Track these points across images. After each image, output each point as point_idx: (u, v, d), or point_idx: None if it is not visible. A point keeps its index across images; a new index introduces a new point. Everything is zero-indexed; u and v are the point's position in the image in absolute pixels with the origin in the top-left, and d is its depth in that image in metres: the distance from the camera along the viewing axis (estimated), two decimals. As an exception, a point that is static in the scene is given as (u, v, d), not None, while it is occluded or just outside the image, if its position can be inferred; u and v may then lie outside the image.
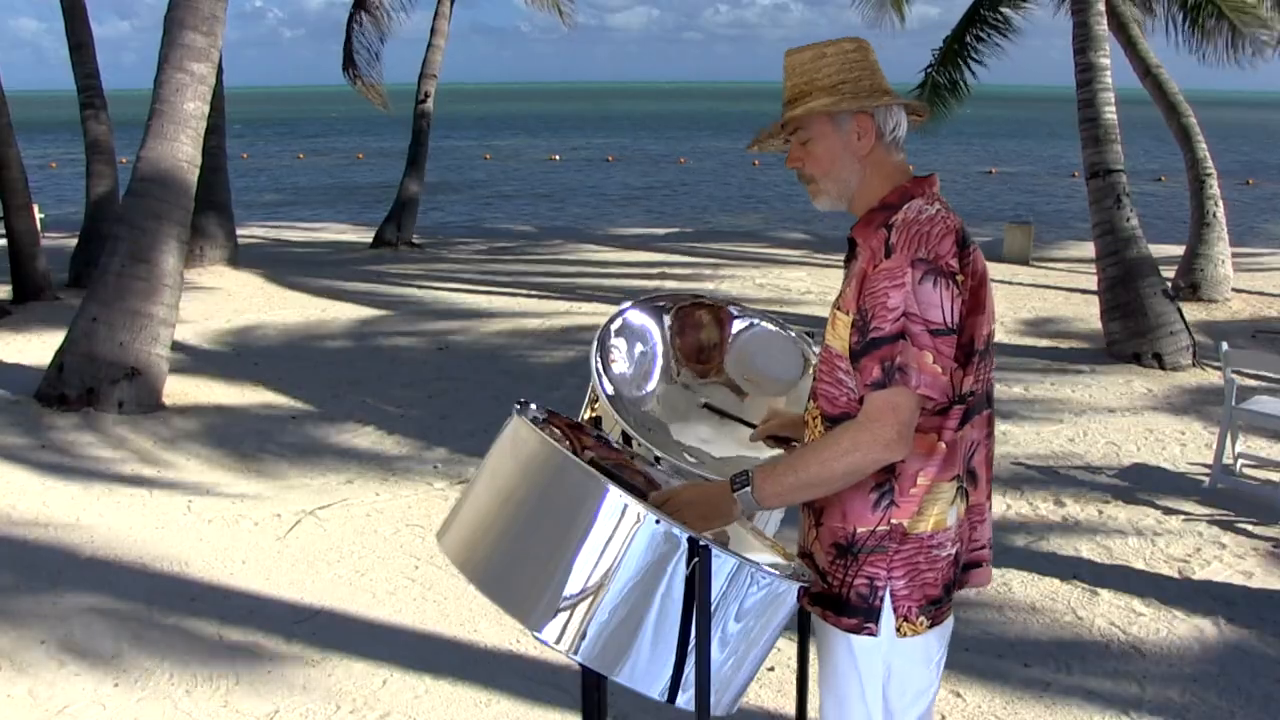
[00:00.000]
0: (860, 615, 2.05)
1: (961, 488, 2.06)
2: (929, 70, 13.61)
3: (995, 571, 4.59)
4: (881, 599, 2.03)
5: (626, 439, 2.46)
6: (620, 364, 2.64)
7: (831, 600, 2.08)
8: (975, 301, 2.00)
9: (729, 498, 2.04)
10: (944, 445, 2.00)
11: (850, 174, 2.08)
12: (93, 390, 6.84)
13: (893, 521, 2.01)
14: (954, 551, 2.07)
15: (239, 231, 13.92)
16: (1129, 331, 8.63)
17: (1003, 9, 13.44)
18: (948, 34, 13.72)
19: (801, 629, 2.32)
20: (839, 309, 2.06)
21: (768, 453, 2.62)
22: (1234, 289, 11.37)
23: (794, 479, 1.99)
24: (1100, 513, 5.43)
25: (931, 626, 2.06)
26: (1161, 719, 3.59)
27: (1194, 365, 8.39)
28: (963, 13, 13.87)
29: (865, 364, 1.94)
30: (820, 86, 2.05)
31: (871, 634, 2.04)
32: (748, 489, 2.02)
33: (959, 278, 1.95)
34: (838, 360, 2.05)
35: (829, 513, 2.07)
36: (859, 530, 2.03)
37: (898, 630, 2.03)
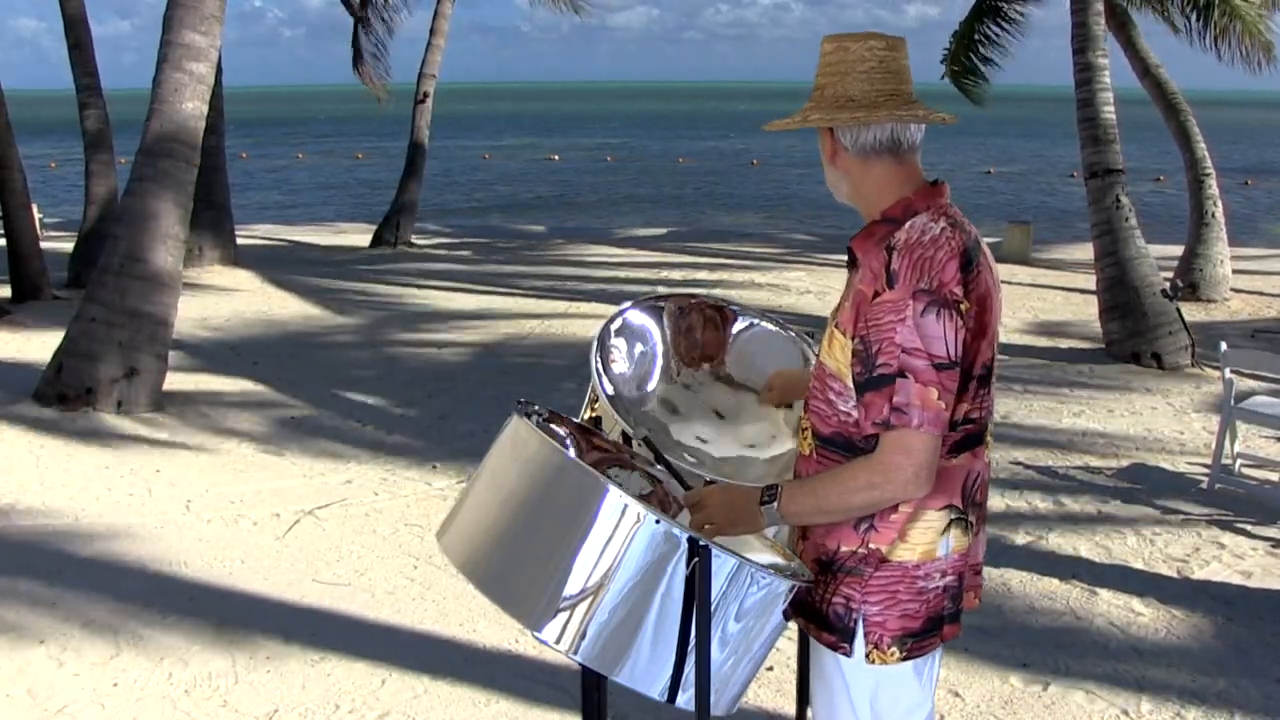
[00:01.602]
0: (837, 634, 2.02)
1: (961, 519, 2.01)
2: (947, 62, 13.65)
3: (995, 571, 4.61)
4: (855, 621, 2.00)
5: (626, 439, 2.46)
6: (620, 364, 2.64)
7: (813, 613, 2.06)
8: (978, 326, 1.94)
9: (758, 508, 2.03)
10: None
11: (834, 178, 2.08)
12: (91, 390, 6.83)
13: (870, 546, 1.98)
14: (944, 584, 2.01)
15: (238, 231, 13.92)
16: (1128, 331, 8.63)
17: (1006, 3, 13.47)
18: (956, 29, 13.76)
19: (801, 629, 2.32)
20: (837, 326, 2.01)
21: (768, 452, 2.62)
22: (1233, 289, 11.38)
23: (814, 503, 1.98)
24: (1099, 512, 5.43)
25: (906, 659, 2.01)
26: (1159, 718, 3.59)
27: (1193, 365, 8.39)
28: (962, 11, 13.92)
29: (872, 400, 1.90)
30: (812, 87, 2.07)
31: (846, 654, 2.02)
32: (773, 506, 2.01)
33: (963, 305, 1.89)
34: (830, 380, 2.02)
35: (815, 527, 2.06)
36: (842, 548, 2.01)
37: (867, 656, 2.00)
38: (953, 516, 1.99)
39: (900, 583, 1.98)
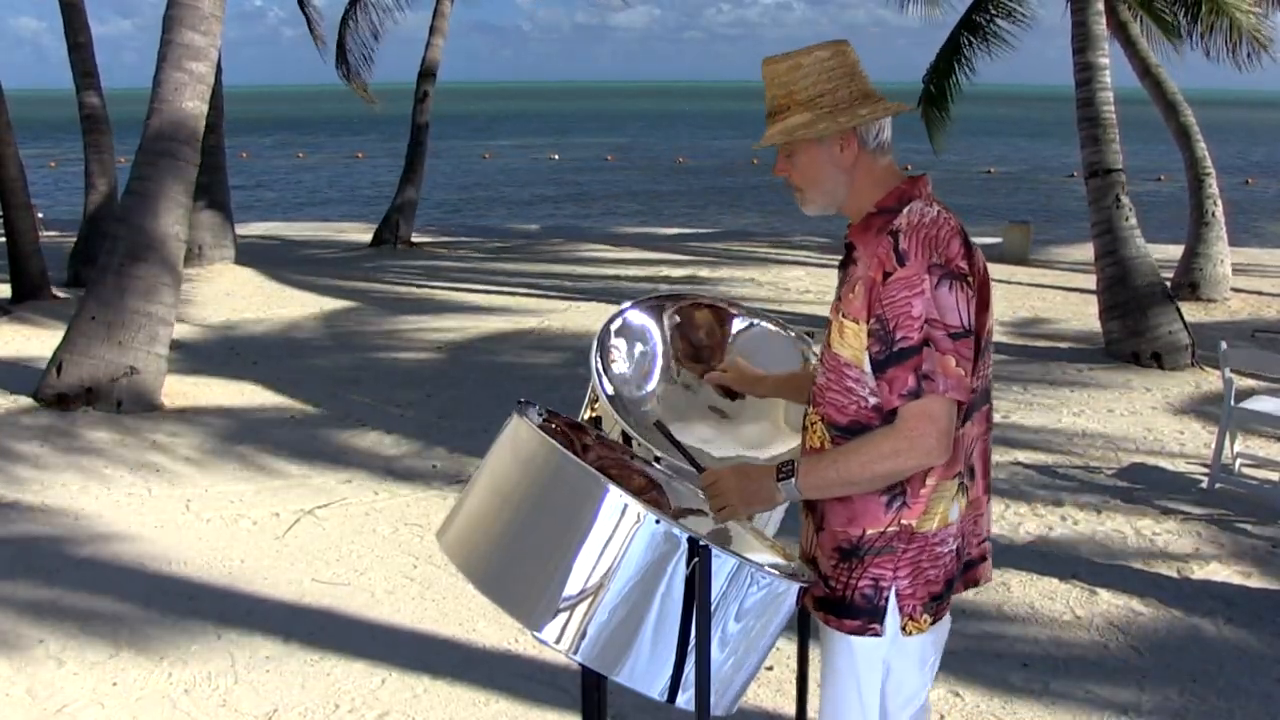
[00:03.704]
0: (865, 616, 2.05)
1: (962, 484, 2.07)
2: (926, 80, 13.57)
3: (995, 571, 4.60)
4: (887, 599, 2.03)
5: (626, 439, 2.46)
6: (620, 364, 2.64)
7: (834, 603, 2.08)
8: (981, 299, 2.01)
9: (774, 484, 2.06)
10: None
11: (836, 184, 2.09)
12: (91, 390, 6.83)
13: (903, 522, 2.02)
14: (955, 547, 2.07)
15: (238, 230, 13.93)
16: (1127, 331, 8.62)
17: (997, 20, 13.42)
18: (943, 43, 13.68)
19: (801, 629, 2.32)
20: (845, 317, 2.04)
21: (768, 452, 2.62)
22: (1233, 288, 11.38)
23: (834, 475, 2.01)
24: (1099, 512, 5.43)
25: (933, 623, 2.07)
26: (1160, 719, 3.59)
27: (1192, 365, 8.39)
28: (962, 10, 13.85)
29: (896, 374, 1.94)
30: (798, 100, 2.05)
31: (876, 634, 2.05)
32: (792, 480, 2.03)
33: (969, 278, 1.97)
34: (846, 369, 2.05)
35: (832, 516, 2.07)
36: (868, 532, 2.03)
37: (903, 629, 2.04)
38: (960, 482, 2.06)
39: (924, 552, 2.04)
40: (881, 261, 1.97)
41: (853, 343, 2.02)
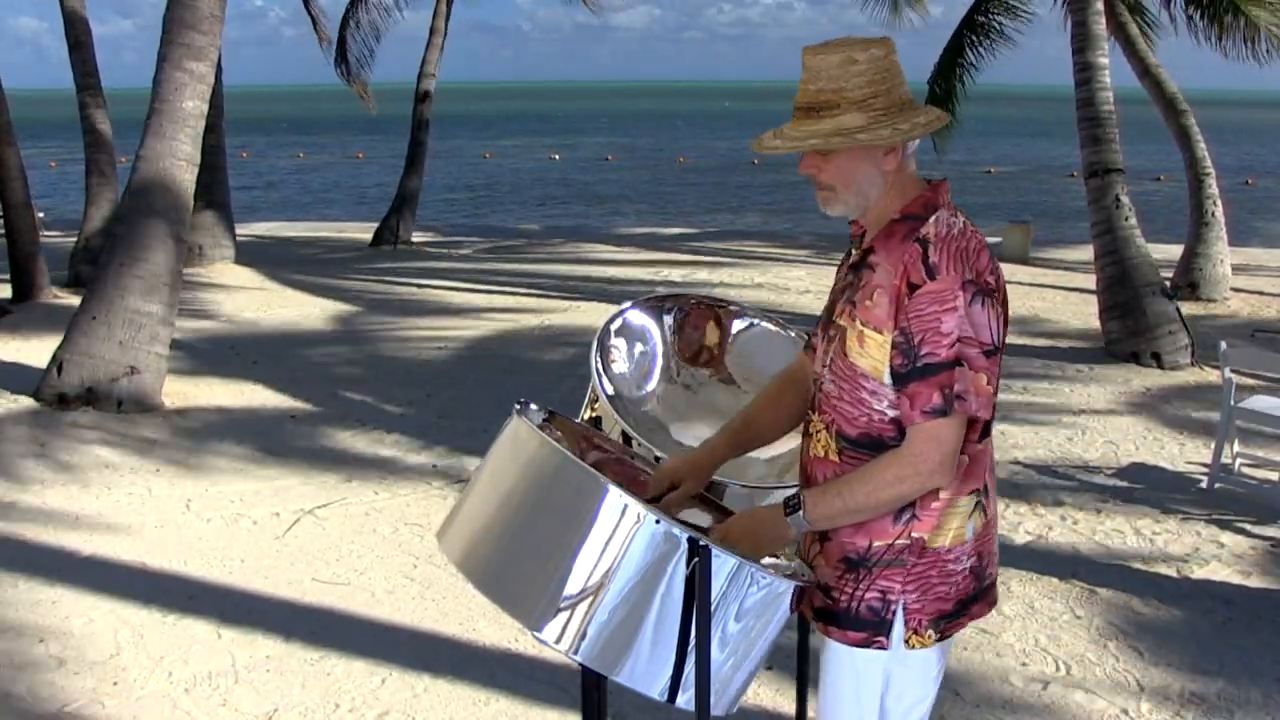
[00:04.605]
0: (870, 629, 2.03)
1: (980, 502, 2.04)
2: (931, 82, 13.58)
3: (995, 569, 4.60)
4: (894, 612, 2.01)
5: (626, 439, 2.46)
6: (620, 364, 2.65)
7: (837, 615, 2.05)
8: (1005, 315, 1.99)
9: (783, 522, 2.03)
10: (966, 458, 1.99)
11: (872, 187, 2.01)
12: (92, 390, 6.83)
13: (913, 535, 1.99)
14: (969, 565, 2.04)
15: (238, 230, 13.92)
16: (1127, 331, 8.62)
17: (997, 17, 13.44)
18: (946, 44, 13.70)
19: (801, 629, 2.32)
20: (866, 325, 1.98)
21: (768, 452, 2.62)
22: (1232, 288, 11.37)
23: (841, 504, 1.98)
24: (1099, 512, 5.43)
25: (939, 640, 2.04)
26: (1159, 718, 3.59)
27: (1192, 365, 8.39)
28: (962, 15, 13.87)
29: (919, 389, 1.91)
30: (850, 99, 1.93)
31: (883, 647, 2.02)
32: (800, 513, 2.01)
33: (997, 294, 1.94)
34: (863, 380, 2.00)
35: (839, 527, 2.04)
36: (875, 544, 2.00)
37: (906, 642, 2.01)
38: (977, 500, 2.03)
39: (934, 568, 2.01)
40: (908, 270, 1.92)
41: (874, 353, 1.97)
